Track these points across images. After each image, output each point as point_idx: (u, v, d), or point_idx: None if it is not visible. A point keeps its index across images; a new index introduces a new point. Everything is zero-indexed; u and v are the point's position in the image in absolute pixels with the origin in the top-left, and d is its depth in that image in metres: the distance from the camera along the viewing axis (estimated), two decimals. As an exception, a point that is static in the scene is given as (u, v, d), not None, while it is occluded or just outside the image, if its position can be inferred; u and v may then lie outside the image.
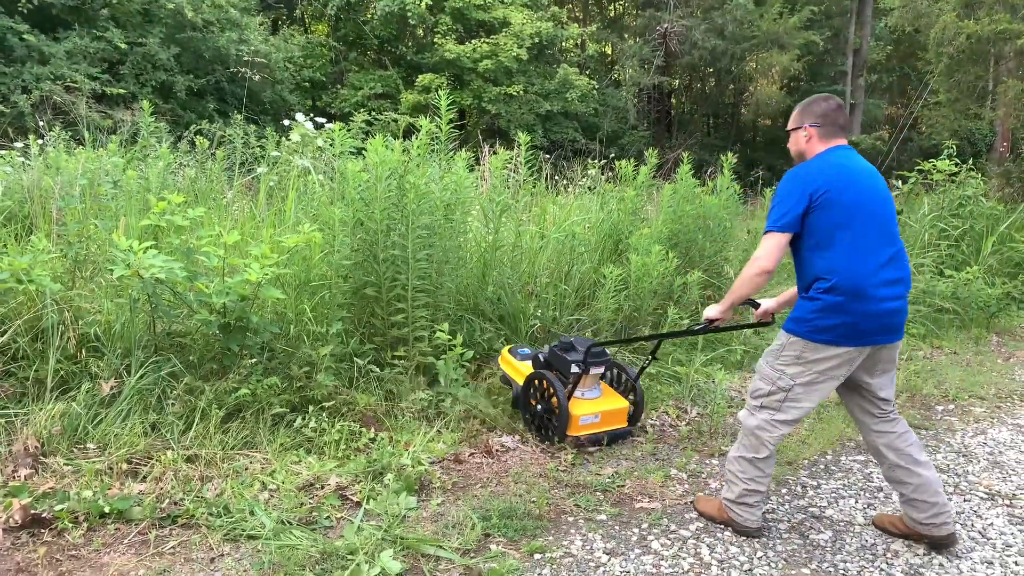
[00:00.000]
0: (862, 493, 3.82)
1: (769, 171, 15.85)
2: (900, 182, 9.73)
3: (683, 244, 6.35)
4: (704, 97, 24.93)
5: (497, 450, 4.05)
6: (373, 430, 3.97)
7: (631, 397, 4.39)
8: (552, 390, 4.08)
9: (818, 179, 2.98)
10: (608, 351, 4.37)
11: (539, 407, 4.18)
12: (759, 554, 3.15)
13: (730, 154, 6.73)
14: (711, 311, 3.47)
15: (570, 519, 3.36)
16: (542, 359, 4.34)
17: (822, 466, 4.16)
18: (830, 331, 2.97)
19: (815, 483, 3.91)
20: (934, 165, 9.50)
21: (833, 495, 3.78)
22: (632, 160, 6.91)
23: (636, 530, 3.30)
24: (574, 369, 4.10)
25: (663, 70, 20.98)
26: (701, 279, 5.85)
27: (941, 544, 3.21)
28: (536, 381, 4.24)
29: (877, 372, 3.15)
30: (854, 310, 2.94)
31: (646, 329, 5.58)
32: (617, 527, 3.31)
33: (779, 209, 3.03)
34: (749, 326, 4.22)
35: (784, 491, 3.79)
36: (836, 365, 3.03)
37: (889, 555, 3.20)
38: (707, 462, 4.13)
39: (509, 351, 4.66)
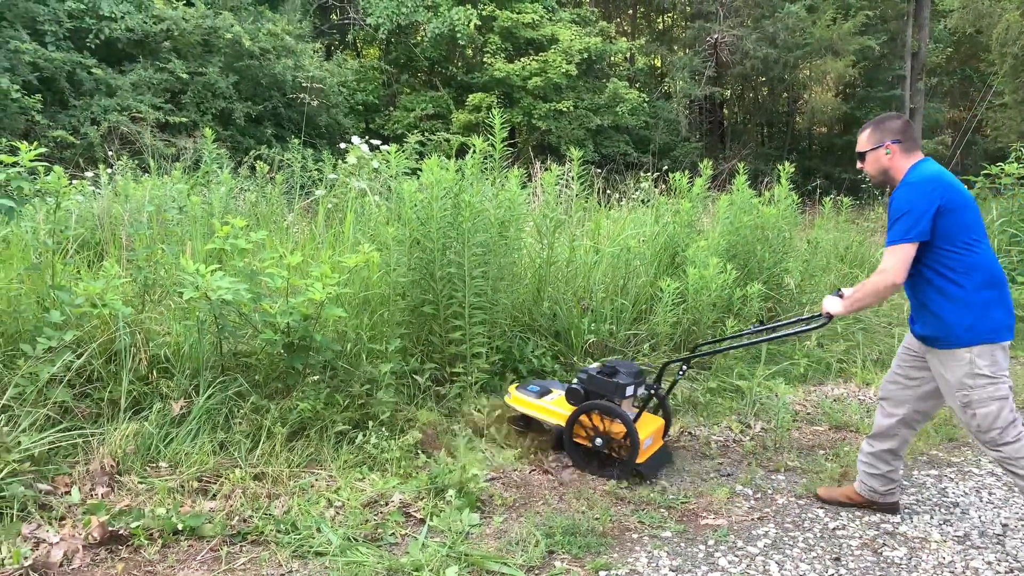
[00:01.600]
0: (937, 509, 3.69)
1: (827, 179, 15.56)
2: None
3: (741, 256, 6.26)
4: (757, 106, 24.62)
5: (554, 467, 4.03)
6: (434, 447, 3.99)
7: (660, 413, 4.20)
8: (610, 420, 3.88)
9: (938, 188, 3.07)
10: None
11: (597, 441, 3.90)
12: (830, 571, 3.06)
13: (787, 163, 6.62)
14: (835, 307, 3.38)
15: (634, 536, 3.32)
16: (581, 390, 4.00)
17: (893, 481, 4.03)
18: (1001, 326, 3.10)
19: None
20: (1002, 169, 9.21)
21: (906, 511, 3.66)
22: (686, 172, 6.86)
23: (702, 547, 3.24)
24: (630, 392, 3.94)
25: (714, 80, 20.80)
26: (761, 291, 5.76)
27: (889, 510, 3.61)
28: (586, 415, 3.94)
29: None
30: (1005, 300, 3.14)
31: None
32: (683, 544, 3.26)
33: (906, 220, 3.07)
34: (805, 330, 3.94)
35: (854, 507, 3.68)
36: (1006, 355, 3.14)
37: (968, 573, 3.08)
38: (772, 477, 4.05)
39: (518, 390, 4.27)
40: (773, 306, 6.36)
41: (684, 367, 4.07)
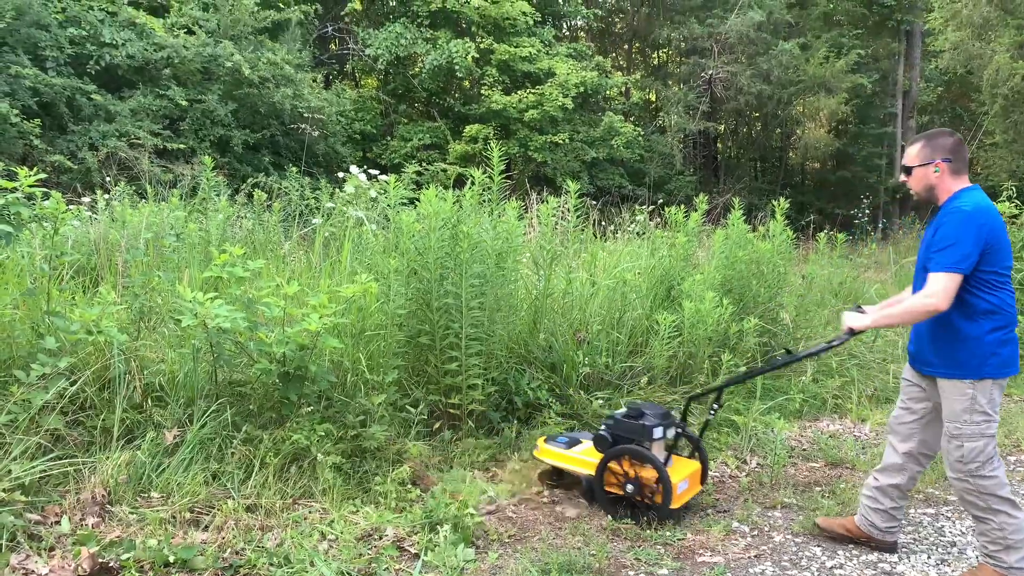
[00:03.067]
0: (934, 548, 3.67)
1: (820, 215, 15.69)
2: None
3: (737, 290, 6.28)
4: (751, 141, 24.87)
5: (548, 503, 4.00)
6: (426, 481, 3.96)
7: (696, 456, 4.05)
8: (640, 465, 3.73)
9: (989, 222, 3.08)
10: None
11: (629, 488, 3.75)
12: (829, 612, 3.04)
13: (782, 199, 6.68)
14: (858, 321, 3.36)
15: (631, 573, 3.29)
16: (609, 437, 3.85)
17: (890, 519, 4.01)
18: (1007, 361, 3.14)
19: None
20: (993, 207, 9.28)
21: (904, 550, 3.64)
22: (680, 205, 6.91)
23: (699, 585, 3.21)
24: (658, 435, 3.76)
25: (709, 115, 21.03)
26: (757, 326, 5.77)
27: (886, 549, 3.59)
28: (615, 462, 3.80)
29: None
30: (1013, 339, 3.16)
31: (701, 377, 5.49)
32: (679, 582, 3.23)
33: (958, 250, 3.04)
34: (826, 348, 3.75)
35: (851, 546, 3.66)
36: (1002, 391, 3.19)
37: (968, 615, 3.05)
38: (769, 514, 4.02)
39: (547, 442, 4.14)
40: (768, 340, 6.36)
41: (716, 405, 3.95)
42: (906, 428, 3.47)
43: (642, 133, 19.52)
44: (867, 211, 16.39)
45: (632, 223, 9.33)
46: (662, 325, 5.28)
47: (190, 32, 13.93)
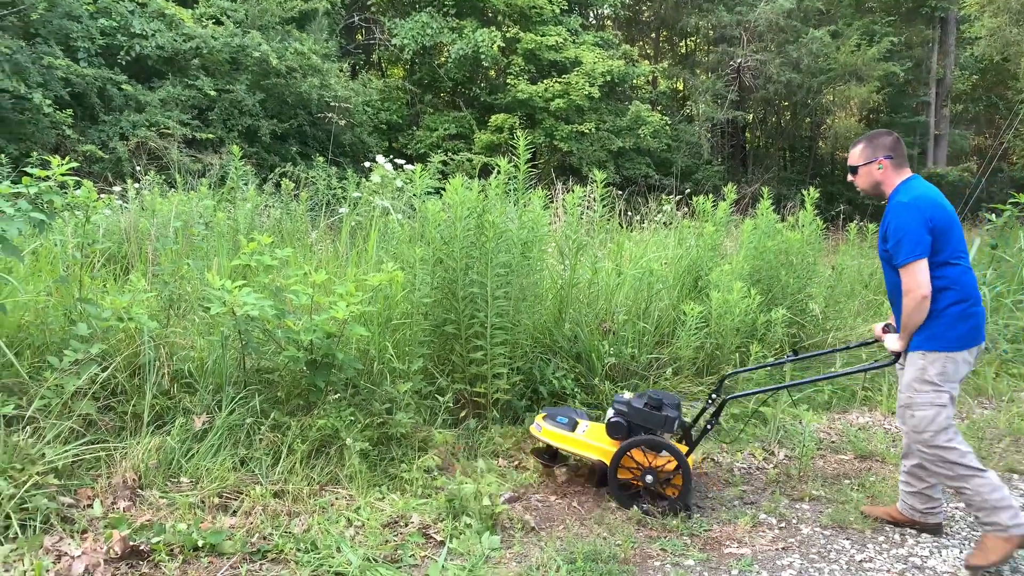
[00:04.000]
0: (967, 543, 3.61)
1: (850, 205, 15.45)
2: (993, 215, 9.32)
3: (765, 281, 6.21)
4: (780, 131, 24.57)
5: (573, 492, 4.00)
6: (451, 469, 3.97)
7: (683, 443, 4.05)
8: (653, 456, 3.72)
9: (930, 206, 3.31)
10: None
11: (648, 478, 3.71)
12: (858, 606, 3.00)
13: (812, 188, 6.59)
14: (896, 344, 3.51)
15: (656, 563, 3.27)
16: (625, 423, 3.80)
17: (921, 513, 3.96)
18: (964, 337, 3.31)
19: (915, 531, 3.71)
20: (1029, 197, 9.08)
21: (935, 545, 3.58)
22: (708, 195, 6.84)
23: (726, 577, 3.19)
24: (676, 426, 3.79)
25: (737, 104, 20.79)
26: (785, 316, 5.70)
27: (931, 531, 3.66)
28: (634, 451, 3.75)
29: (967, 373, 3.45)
30: (975, 313, 3.34)
31: (728, 367, 5.45)
32: (706, 573, 3.21)
33: (910, 239, 3.28)
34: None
35: (881, 539, 3.61)
36: (963, 368, 3.35)
37: (1001, 611, 3.00)
38: (797, 506, 3.98)
39: (546, 420, 4.01)
40: (797, 332, 6.29)
41: (717, 416, 3.94)
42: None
43: (669, 122, 19.34)
44: (898, 201, 16.08)
45: (659, 213, 9.27)
46: (689, 315, 5.24)
47: (218, 22, 14.03)
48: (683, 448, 3.91)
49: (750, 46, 20.04)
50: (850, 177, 3.66)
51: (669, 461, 3.71)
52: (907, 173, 3.49)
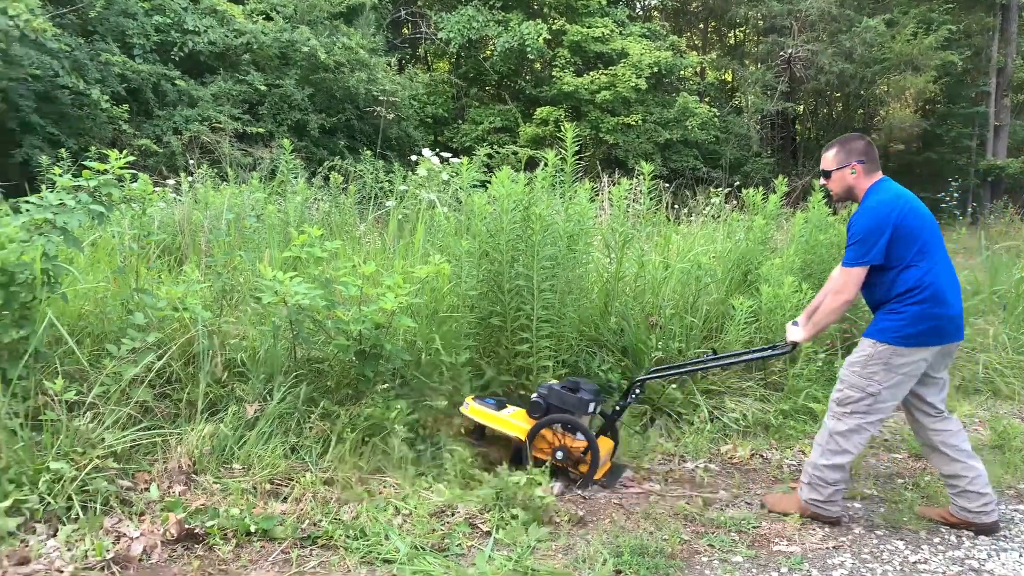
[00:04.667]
0: (1027, 546, 3.50)
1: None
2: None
3: (817, 275, 6.09)
4: (831, 122, 24.06)
5: (622, 484, 3.98)
6: (498, 460, 3.98)
7: (609, 434, 4.21)
8: (567, 435, 3.93)
9: (893, 212, 3.36)
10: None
11: (558, 454, 3.92)
12: (912, 607, 2.94)
13: (866, 181, 6.43)
14: (797, 335, 3.72)
15: (704, 559, 3.25)
16: (543, 404, 3.97)
17: (978, 514, 3.85)
18: (918, 336, 3.37)
19: (972, 534, 3.62)
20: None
21: (993, 547, 3.48)
22: (757, 188, 6.73)
23: (775, 574, 3.15)
24: (592, 408, 3.95)
25: (787, 96, 20.42)
26: (836, 311, 5.58)
27: (987, 530, 3.58)
28: (544, 431, 3.95)
29: (943, 367, 3.58)
30: (938, 314, 3.37)
31: (779, 363, 5.36)
32: (754, 570, 3.17)
33: (862, 246, 3.37)
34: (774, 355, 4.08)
35: (937, 540, 3.53)
36: (917, 364, 3.41)
37: (1063, 616, 2.91)
38: (849, 505, 3.90)
39: (475, 400, 4.15)
40: (849, 327, 6.16)
41: (636, 391, 4.17)
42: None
43: (717, 114, 19.12)
44: (956, 194, 15.66)
45: (707, 206, 9.15)
46: (738, 310, 5.17)
47: (268, 18, 14.25)
48: (609, 441, 4.15)
49: (801, 36, 19.66)
50: (822, 181, 3.71)
51: (580, 441, 3.91)
52: (878, 176, 3.54)
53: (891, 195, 3.43)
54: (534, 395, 4.07)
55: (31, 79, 10.46)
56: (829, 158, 3.61)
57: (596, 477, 3.91)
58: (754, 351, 4.25)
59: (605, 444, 4.09)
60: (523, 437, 3.96)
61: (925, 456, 3.76)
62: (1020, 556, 3.40)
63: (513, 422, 4.02)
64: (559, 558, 3.14)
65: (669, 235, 6.89)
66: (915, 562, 3.31)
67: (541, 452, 3.98)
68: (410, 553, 3.02)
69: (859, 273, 3.39)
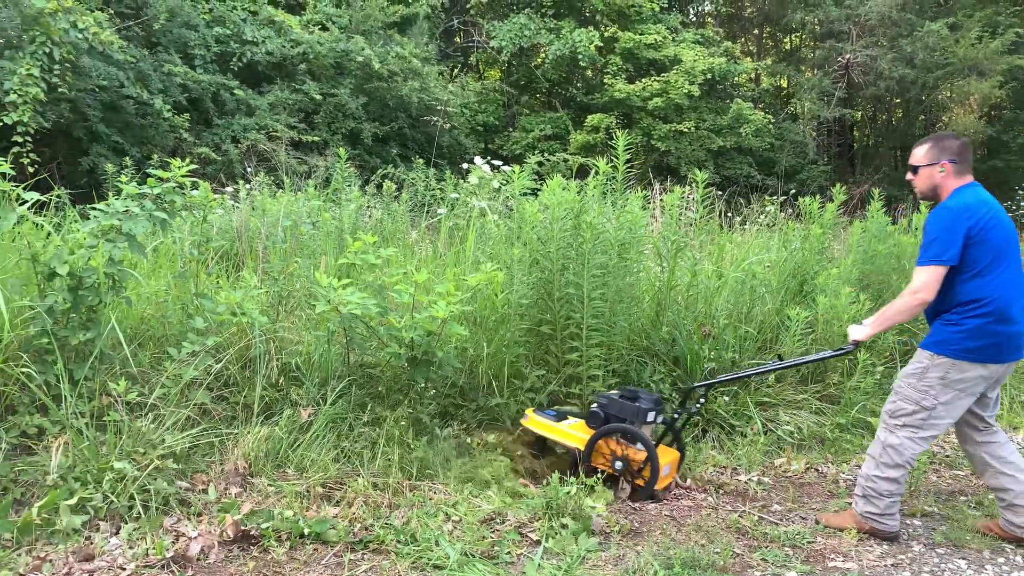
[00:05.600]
0: (1099, 570, 3.36)
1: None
2: None
3: (875, 286, 5.95)
4: (890, 129, 23.46)
5: (669, 498, 3.94)
6: (555, 474, 3.98)
7: (675, 446, 4.15)
8: (627, 446, 3.87)
9: (974, 215, 3.29)
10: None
11: (617, 465, 3.88)
12: (976, 630, 2.84)
13: (927, 189, 6.25)
14: (859, 333, 3.62)
15: (756, 573, 3.19)
16: (602, 414, 3.97)
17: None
18: (977, 351, 3.30)
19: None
20: None
21: (1063, 570, 3.35)
22: (814, 196, 6.60)
23: (830, 592, 3.08)
24: (651, 418, 3.92)
25: (844, 102, 19.97)
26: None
27: None
28: (604, 440, 3.93)
29: (995, 386, 3.49)
30: (999, 332, 3.29)
31: (835, 376, 5.25)
32: (809, 587, 3.11)
33: (940, 245, 3.30)
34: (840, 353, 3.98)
35: (1001, 560, 3.41)
36: (976, 381, 3.34)
37: None
38: (908, 522, 3.80)
39: (536, 412, 4.20)
40: (908, 340, 6.00)
41: (701, 400, 4.16)
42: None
43: (772, 121, 18.78)
44: (1022, 203, 15.13)
45: (762, 214, 9.01)
46: (794, 321, 5.07)
47: (324, 28, 14.50)
48: (674, 451, 4.09)
49: (859, 41, 19.22)
50: (909, 176, 3.61)
51: (640, 452, 3.84)
52: (967, 179, 3.46)
53: (976, 200, 3.36)
54: (593, 405, 4.06)
55: (98, 90, 10.82)
56: (920, 154, 3.53)
57: (658, 487, 3.86)
58: (819, 354, 4.20)
59: (668, 454, 4.03)
60: (582, 447, 3.95)
61: (977, 466, 3.67)
62: (1092, 581, 3.26)
63: (573, 433, 4.02)
64: (609, 569, 3.12)
65: (723, 244, 6.80)
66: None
67: (601, 463, 3.95)
68: (460, 560, 3.03)
69: (937, 273, 3.29)
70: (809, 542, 3.49)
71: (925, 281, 3.32)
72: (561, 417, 4.17)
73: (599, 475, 3.83)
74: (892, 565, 3.33)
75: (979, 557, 3.44)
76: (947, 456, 4.78)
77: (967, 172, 3.46)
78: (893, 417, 3.49)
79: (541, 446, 4.28)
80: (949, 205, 3.36)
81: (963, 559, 3.42)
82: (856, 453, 4.61)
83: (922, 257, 3.35)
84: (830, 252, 6.48)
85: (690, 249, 5.89)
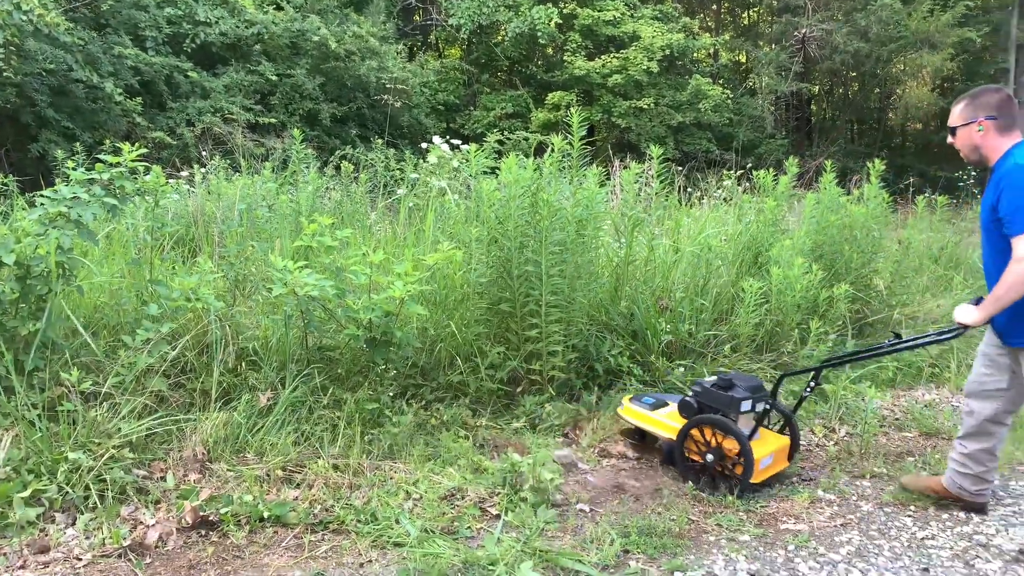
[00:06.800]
0: (1037, 523, 3.50)
1: (921, 178, 14.93)
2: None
3: (828, 256, 6.08)
4: (847, 102, 23.78)
5: (634, 467, 4.01)
6: (506, 446, 4.02)
7: (787, 432, 3.96)
8: (722, 435, 3.66)
9: None
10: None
11: (709, 457, 3.69)
12: (919, 585, 2.96)
13: (877, 161, 6.39)
14: (968, 317, 3.21)
15: (711, 539, 3.27)
16: (695, 404, 3.81)
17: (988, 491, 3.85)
18: None
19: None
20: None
21: (1002, 522, 3.49)
22: (770, 170, 6.70)
23: (782, 552, 3.17)
24: (746, 407, 3.66)
25: (802, 76, 20.19)
26: (848, 292, 5.57)
27: (978, 510, 3.54)
28: (694, 431, 3.77)
29: None
30: None
31: (789, 345, 5.36)
32: (761, 548, 3.20)
33: None
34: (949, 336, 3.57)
35: (945, 517, 3.54)
36: None
37: (1071, 593, 2.92)
38: (857, 483, 3.92)
39: (631, 401, 4.18)
40: (861, 308, 6.14)
41: (812, 383, 3.86)
42: (988, 392, 3.38)
43: (731, 96, 18.94)
44: (973, 173, 15.48)
45: (719, 188, 9.12)
46: (748, 292, 5.16)
47: (278, 8, 14.27)
48: (783, 438, 3.88)
49: (815, 15, 19.41)
50: (949, 139, 3.30)
51: (735, 444, 3.63)
52: (1017, 137, 3.11)
53: None
54: (689, 393, 3.93)
55: (45, 73, 10.55)
56: (956, 113, 3.23)
57: (755, 480, 3.62)
58: (930, 335, 3.75)
59: (772, 442, 3.83)
60: (674, 437, 3.85)
61: (968, 432, 3.47)
62: (1030, 534, 3.40)
63: (666, 422, 3.92)
64: (567, 539, 3.18)
65: (680, 219, 6.88)
66: (923, 538, 3.32)
67: (693, 454, 3.81)
68: (420, 536, 3.07)
69: None
70: (762, 506, 3.59)
71: None
72: (659, 405, 4.06)
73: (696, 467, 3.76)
74: (841, 525, 3.44)
75: (924, 514, 3.57)
76: (897, 419, 4.92)
77: (1014, 128, 3.11)
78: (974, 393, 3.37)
79: (641, 435, 4.20)
80: (1020, 163, 2.99)
81: (909, 517, 3.54)
82: (809, 419, 4.72)
83: (1017, 224, 2.95)
84: (785, 224, 6.59)
85: (648, 224, 5.96)
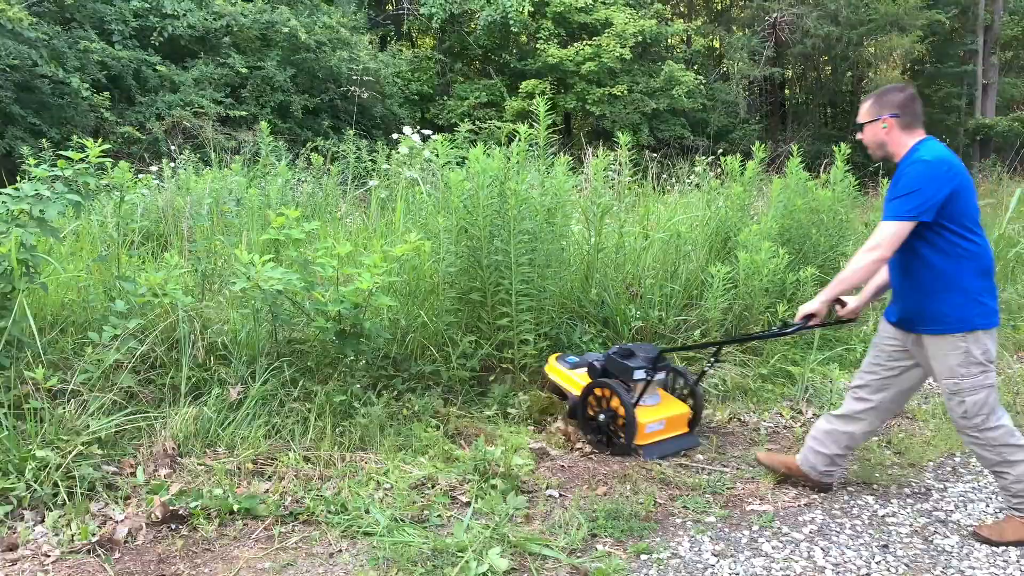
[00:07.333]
0: (993, 497, 3.60)
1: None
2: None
3: (795, 240, 6.15)
4: (819, 86, 23.98)
5: (599, 454, 4.07)
6: (477, 433, 4.06)
7: (690, 402, 4.24)
8: (615, 399, 3.96)
9: (954, 170, 3.05)
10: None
11: (601, 417, 4.02)
12: (877, 558, 3.03)
13: (843, 144, 6.47)
14: (809, 306, 3.38)
15: (678, 521, 3.33)
16: (599, 367, 4.13)
17: (949, 468, 3.96)
18: (993, 313, 3.11)
19: (940, 486, 3.72)
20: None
21: (961, 498, 3.58)
22: (738, 155, 6.76)
23: (746, 532, 3.24)
24: (639, 376, 3.96)
25: (774, 61, 20.33)
26: (815, 275, 5.65)
27: (823, 489, 3.61)
28: (596, 390, 4.08)
29: None
30: (995, 289, 3.15)
31: (757, 328, 5.44)
32: (726, 529, 3.26)
33: (916, 198, 3.02)
34: (833, 324, 3.78)
35: (906, 492, 3.62)
36: (995, 342, 3.15)
37: (1023, 562, 3.01)
38: (823, 464, 3.99)
39: (556, 359, 4.46)
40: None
41: (712, 360, 4.18)
42: (879, 381, 3.40)
43: (704, 81, 19.02)
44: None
45: (691, 175, 9.17)
46: (716, 277, 5.23)
47: (248, -1, 14.13)
48: (682, 405, 4.21)
49: (786, 0, 19.52)
50: (858, 135, 3.41)
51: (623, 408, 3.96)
52: (919, 135, 3.21)
53: (947, 153, 3.11)
54: (598, 358, 4.26)
55: (9, 69, 10.40)
56: (863, 110, 3.32)
57: (639, 442, 3.96)
58: (763, 334, 4.42)
59: (674, 408, 4.16)
60: (579, 393, 4.15)
61: (844, 415, 3.51)
62: (987, 507, 3.49)
63: (577, 380, 4.24)
64: (536, 525, 3.23)
65: (650, 205, 6.92)
66: (884, 516, 3.40)
67: (593, 410, 4.12)
68: (390, 525, 3.10)
69: (901, 229, 3.02)
70: (728, 488, 3.65)
71: (888, 236, 3.08)
72: (579, 365, 4.34)
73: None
74: (805, 504, 3.51)
75: (886, 492, 3.65)
76: (863, 400, 5.01)
77: (916, 126, 3.21)
78: (971, 418, 3.12)
79: (563, 394, 4.44)
80: (926, 158, 3.07)
81: (871, 495, 3.62)
82: (776, 402, 4.80)
83: (890, 211, 3.08)
84: (755, 209, 6.66)
85: (618, 212, 6.00)
